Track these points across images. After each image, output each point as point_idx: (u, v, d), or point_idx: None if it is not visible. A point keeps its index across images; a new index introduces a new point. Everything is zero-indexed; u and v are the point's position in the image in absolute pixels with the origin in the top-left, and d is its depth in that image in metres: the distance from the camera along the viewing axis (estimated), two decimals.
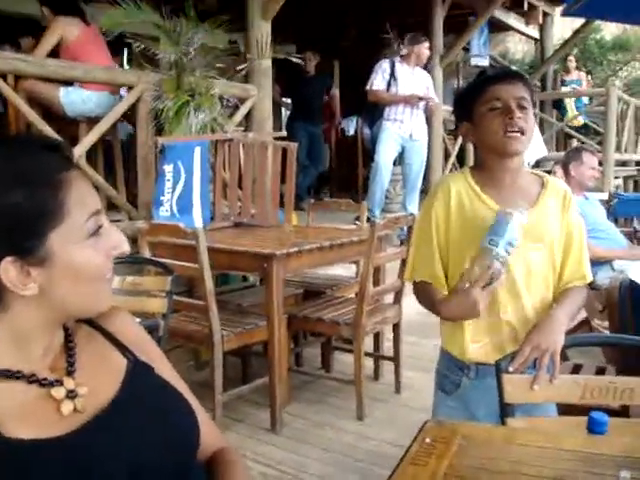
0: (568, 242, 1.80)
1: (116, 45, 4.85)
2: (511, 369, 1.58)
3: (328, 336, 4.07)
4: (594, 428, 1.24)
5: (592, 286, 4.15)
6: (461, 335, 1.79)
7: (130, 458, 0.96)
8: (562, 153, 8.52)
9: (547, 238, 1.76)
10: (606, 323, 3.85)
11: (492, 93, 1.72)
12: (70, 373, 1.00)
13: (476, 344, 1.78)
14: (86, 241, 0.95)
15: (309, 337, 4.33)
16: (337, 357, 4.21)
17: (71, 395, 0.97)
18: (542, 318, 1.71)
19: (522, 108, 1.69)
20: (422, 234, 1.84)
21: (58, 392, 0.96)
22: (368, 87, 6.07)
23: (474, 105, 1.76)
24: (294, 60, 5.40)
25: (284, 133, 4.99)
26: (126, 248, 1.01)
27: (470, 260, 1.62)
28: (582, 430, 1.29)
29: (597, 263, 4.24)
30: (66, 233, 0.93)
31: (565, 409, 1.73)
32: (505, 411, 1.53)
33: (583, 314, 4.09)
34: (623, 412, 1.88)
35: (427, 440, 1.23)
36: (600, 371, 2.75)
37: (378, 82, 6.02)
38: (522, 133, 1.69)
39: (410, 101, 5.97)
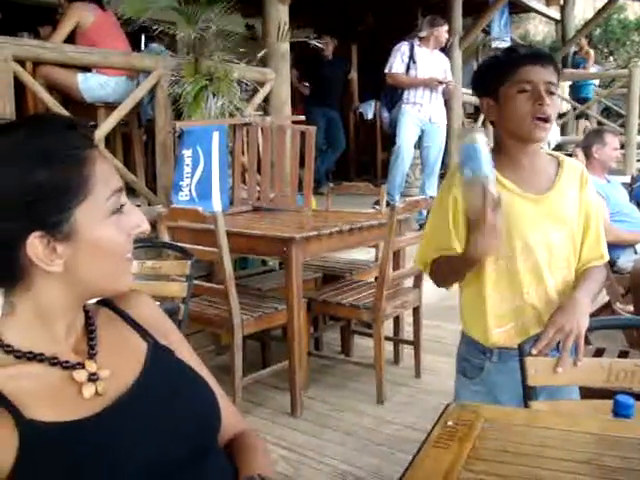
0: (586, 222, 1.79)
1: (132, 31, 4.85)
2: (534, 352, 1.56)
3: (348, 320, 4.06)
4: (620, 411, 1.22)
5: (614, 269, 4.16)
6: (483, 319, 1.76)
7: (151, 441, 0.97)
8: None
9: (567, 219, 1.75)
10: (629, 307, 3.82)
11: (523, 74, 1.65)
12: (92, 356, 1.01)
13: (499, 329, 1.75)
14: (109, 218, 0.96)
15: (328, 321, 4.33)
16: (357, 341, 4.21)
17: (93, 378, 0.97)
18: (565, 300, 1.69)
19: (550, 94, 1.64)
20: (438, 213, 1.79)
21: (80, 375, 0.97)
22: (387, 70, 6.02)
23: (501, 83, 1.69)
24: (312, 44, 5.35)
25: (302, 117, 4.96)
26: (147, 227, 1.02)
27: (463, 197, 1.59)
28: (607, 413, 1.27)
29: (620, 247, 4.20)
30: (90, 209, 0.94)
31: (587, 393, 1.71)
32: (528, 394, 1.51)
33: (605, 298, 4.06)
34: None
35: (449, 423, 1.22)
36: (623, 355, 2.72)
37: (397, 65, 5.97)
38: (548, 120, 1.65)
39: (430, 84, 5.91)
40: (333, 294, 3.66)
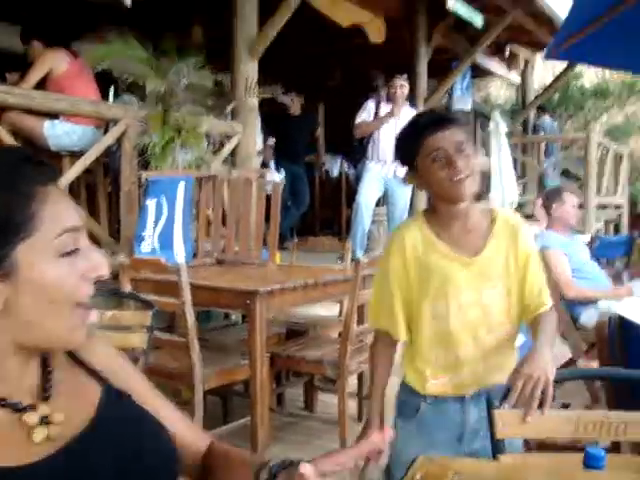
0: (523, 274, 1.80)
1: (103, 82, 4.86)
2: (508, 406, 1.53)
3: (311, 376, 4.00)
4: (592, 463, 1.19)
5: (577, 326, 4.19)
6: (420, 372, 1.83)
7: None
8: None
9: (500, 276, 1.78)
10: (592, 363, 3.83)
11: (431, 144, 1.71)
12: (45, 399, 0.95)
13: (435, 380, 1.81)
14: (58, 258, 0.90)
15: (291, 377, 4.25)
16: (320, 397, 4.13)
17: (45, 421, 0.92)
18: (527, 353, 1.68)
19: (461, 151, 1.69)
20: (383, 289, 1.87)
21: (31, 418, 0.91)
22: (353, 124, 6.12)
23: (415, 155, 1.75)
24: (279, 100, 5.42)
25: (268, 170, 4.98)
26: (105, 271, 0.95)
27: None
28: (576, 466, 1.24)
29: (582, 303, 4.24)
30: (35, 247, 0.88)
31: (554, 447, 1.68)
32: (497, 447, 1.47)
33: (568, 354, 4.08)
34: (614, 449, 1.84)
35: (417, 477, 1.18)
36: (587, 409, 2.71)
37: (362, 117, 6.09)
38: (467, 177, 1.69)
39: (392, 117, 5.95)
40: (297, 349, 3.61)
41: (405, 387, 1.91)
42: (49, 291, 0.89)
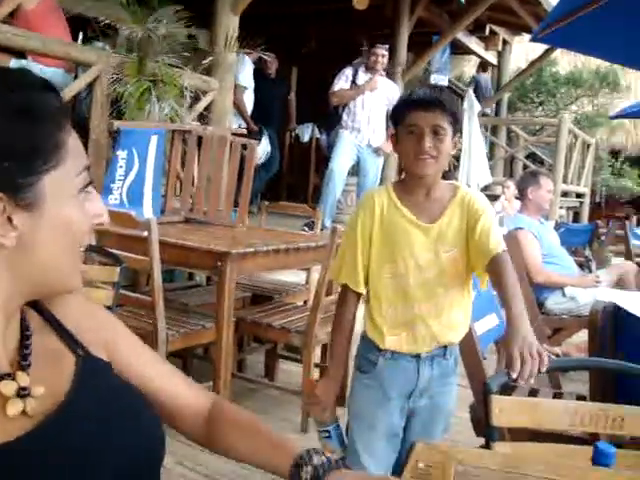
0: (473, 227, 1.86)
1: (75, 26, 4.62)
2: (516, 378, 1.44)
3: (275, 343, 3.92)
4: (601, 460, 1.14)
5: (543, 311, 4.19)
6: (380, 329, 1.94)
7: (79, 473, 0.80)
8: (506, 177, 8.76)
9: (454, 241, 1.88)
10: (555, 349, 3.84)
11: (410, 118, 1.85)
12: (23, 368, 0.83)
13: (393, 336, 1.91)
14: (78, 197, 0.83)
15: (253, 344, 4.17)
16: (281, 366, 4.06)
17: (22, 394, 0.80)
18: (507, 326, 1.63)
19: (436, 134, 1.82)
20: (349, 242, 1.99)
21: (8, 387, 0.79)
22: (331, 90, 6.00)
23: (398, 124, 1.90)
24: (263, 57, 5.24)
25: (244, 130, 4.83)
26: (106, 218, 0.88)
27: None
28: (584, 461, 1.19)
29: (548, 288, 4.25)
30: (60, 180, 0.80)
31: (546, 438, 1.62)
32: (491, 434, 1.41)
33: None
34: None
35: (420, 465, 1.10)
36: (558, 396, 2.71)
37: (341, 85, 5.97)
38: (432, 157, 1.82)
39: (372, 87, 5.89)
40: (263, 315, 3.53)
41: (366, 342, 2.00)
42: (69, 230, 0.82)
